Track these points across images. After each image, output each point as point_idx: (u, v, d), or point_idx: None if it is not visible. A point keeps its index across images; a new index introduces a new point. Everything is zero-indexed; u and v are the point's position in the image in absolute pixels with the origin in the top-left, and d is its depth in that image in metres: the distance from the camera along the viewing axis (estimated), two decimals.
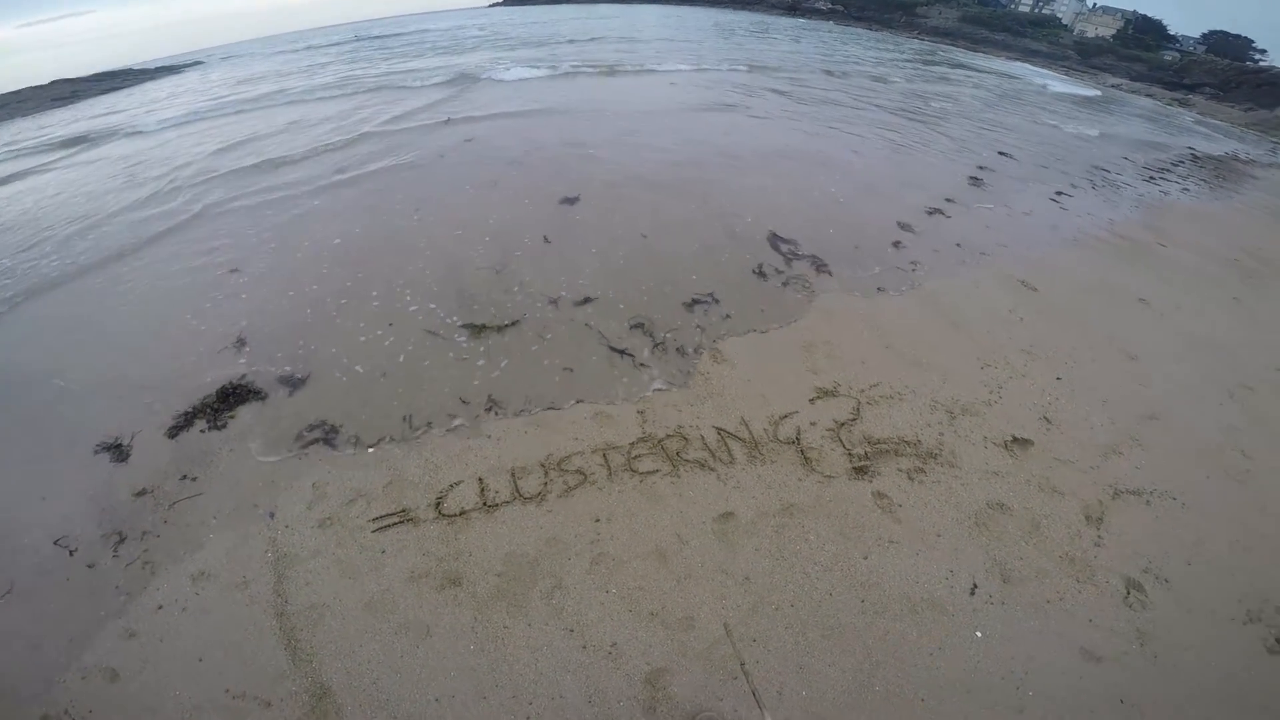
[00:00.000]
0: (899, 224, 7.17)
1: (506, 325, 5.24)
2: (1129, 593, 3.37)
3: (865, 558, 3.55)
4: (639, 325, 5.26)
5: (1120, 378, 4.99)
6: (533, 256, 6.34)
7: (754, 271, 6.06)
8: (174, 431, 4.30)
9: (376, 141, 9.48)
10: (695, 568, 3.48)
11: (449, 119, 10.51)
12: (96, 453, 4.18)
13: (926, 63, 23.52)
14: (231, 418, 4.40)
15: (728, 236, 6.68)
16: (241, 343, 5.14)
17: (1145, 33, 39.87)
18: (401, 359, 4.92)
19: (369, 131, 9.96)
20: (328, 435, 4.14)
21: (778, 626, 3.22)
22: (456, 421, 4.32)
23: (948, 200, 7.97)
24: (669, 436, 4.26)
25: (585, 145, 9.42)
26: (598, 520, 3.74)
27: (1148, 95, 23.10)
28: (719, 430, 4.32)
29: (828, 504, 3.84)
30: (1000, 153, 10.56)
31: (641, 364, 4.84)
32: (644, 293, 5.69)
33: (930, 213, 7.58)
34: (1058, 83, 22.54)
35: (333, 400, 4.48)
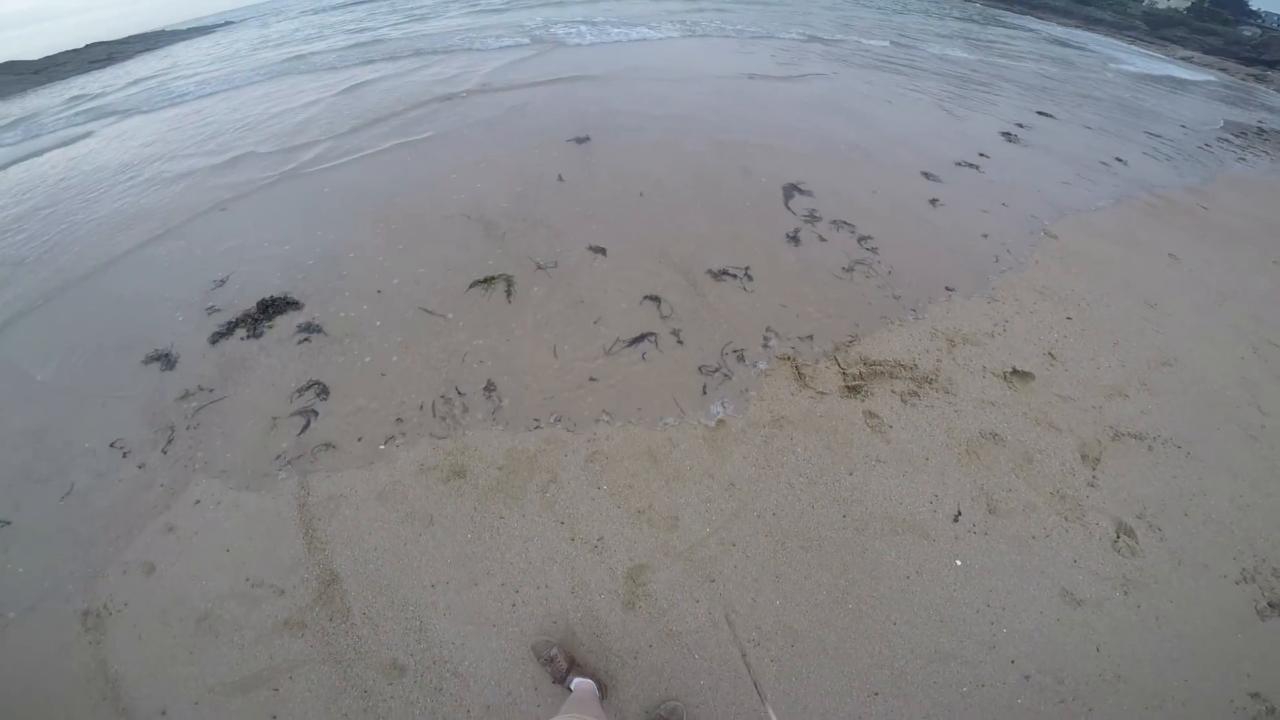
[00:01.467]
0: (924, 174, 6.06)
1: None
2: (1119, 537, 2.82)
3: (850, 474, 3.06)
4: (652, 298, 4.16)
5: (1136, 322, 4.19)
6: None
7: (788, 237, 4.86)
8: (216, 339, 3.97)
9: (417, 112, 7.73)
10: (684, 470, 3.06)
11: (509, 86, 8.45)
12: (147, 363, 3.88)
13: (979, 22, 19.76)
14: (270, 327, 4.02)
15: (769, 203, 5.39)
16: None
17: (1224, 6, 33.37)
18: None
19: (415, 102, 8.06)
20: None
21: (758, 534, 2.81)
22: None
23: (981, 155, 6.74)
24: None
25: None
26: (595, 420, 3.31)
27: (1221, 69, 19.26)
28: None
29: (817, 419, 3.33)
30: (1040, 112, 8.95)
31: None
32: (667, 264, 4.52)
33: (959, 165, 6.41)
34: (1120, 51, 18.89)
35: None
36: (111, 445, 3.38)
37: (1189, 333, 4.17)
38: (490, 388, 3.50)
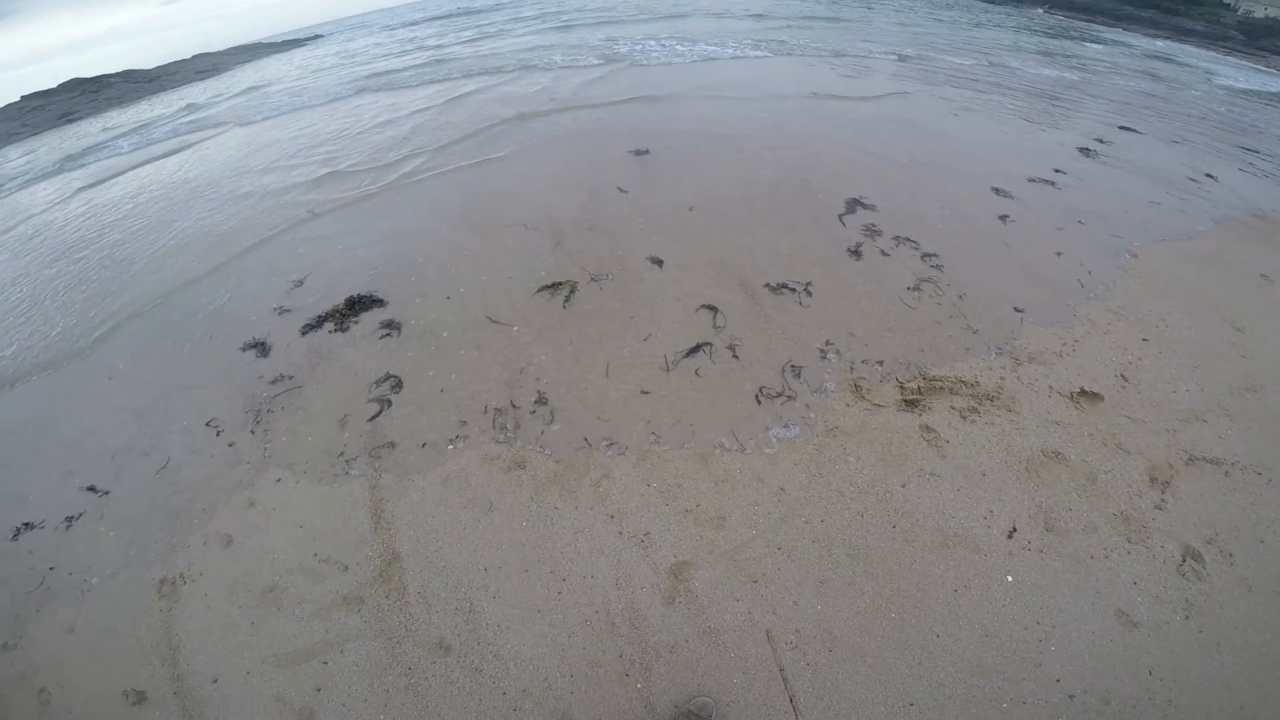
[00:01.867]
0: (994, 189, 5.90)
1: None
2: (1185, 560, 2.71)
3: (903, 486, 3.07)
4: (710, 307, 4.24)
5: (1219, 346, 3.98)
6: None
7: (849, 251, 4.81)
8: (306, 330, 4.36)
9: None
10: (733, 473, 3.14)
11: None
12: (244, 350, 4.30)
13: (1059, 36, 18.69)
14: (355, 322, 4.37)
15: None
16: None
17: None
18: None
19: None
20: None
21: (805, 539, 2.85)
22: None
23: (1057, 171, 6.48)
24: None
25: None
26: (649, 421, 3.44)
27: None
28: None
29: (872, 430, 3.34)
30: (1123, 127, 8.48)
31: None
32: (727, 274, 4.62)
33: (1033, 181, 6.18)
34: (1217, 64, 17.45)
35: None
36: (207, 424, 3.74)
37: (1279, 358, 3.93)
38: (542, 400, 3.63)
